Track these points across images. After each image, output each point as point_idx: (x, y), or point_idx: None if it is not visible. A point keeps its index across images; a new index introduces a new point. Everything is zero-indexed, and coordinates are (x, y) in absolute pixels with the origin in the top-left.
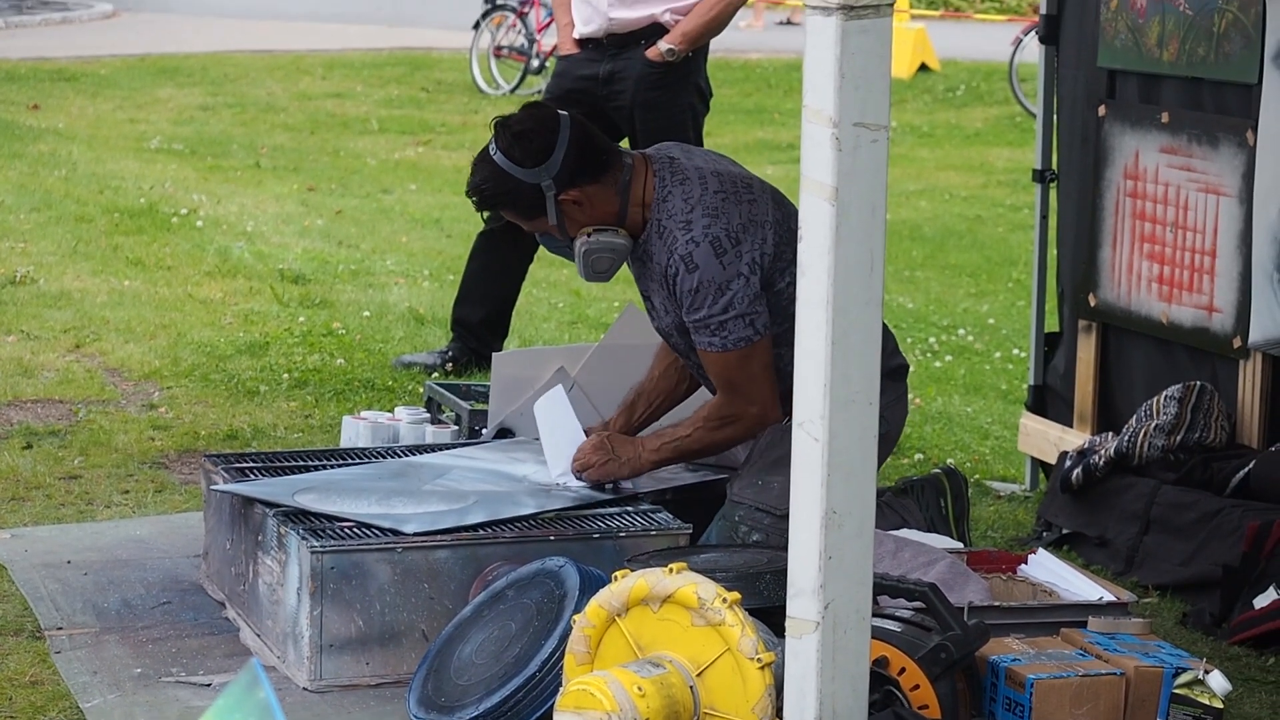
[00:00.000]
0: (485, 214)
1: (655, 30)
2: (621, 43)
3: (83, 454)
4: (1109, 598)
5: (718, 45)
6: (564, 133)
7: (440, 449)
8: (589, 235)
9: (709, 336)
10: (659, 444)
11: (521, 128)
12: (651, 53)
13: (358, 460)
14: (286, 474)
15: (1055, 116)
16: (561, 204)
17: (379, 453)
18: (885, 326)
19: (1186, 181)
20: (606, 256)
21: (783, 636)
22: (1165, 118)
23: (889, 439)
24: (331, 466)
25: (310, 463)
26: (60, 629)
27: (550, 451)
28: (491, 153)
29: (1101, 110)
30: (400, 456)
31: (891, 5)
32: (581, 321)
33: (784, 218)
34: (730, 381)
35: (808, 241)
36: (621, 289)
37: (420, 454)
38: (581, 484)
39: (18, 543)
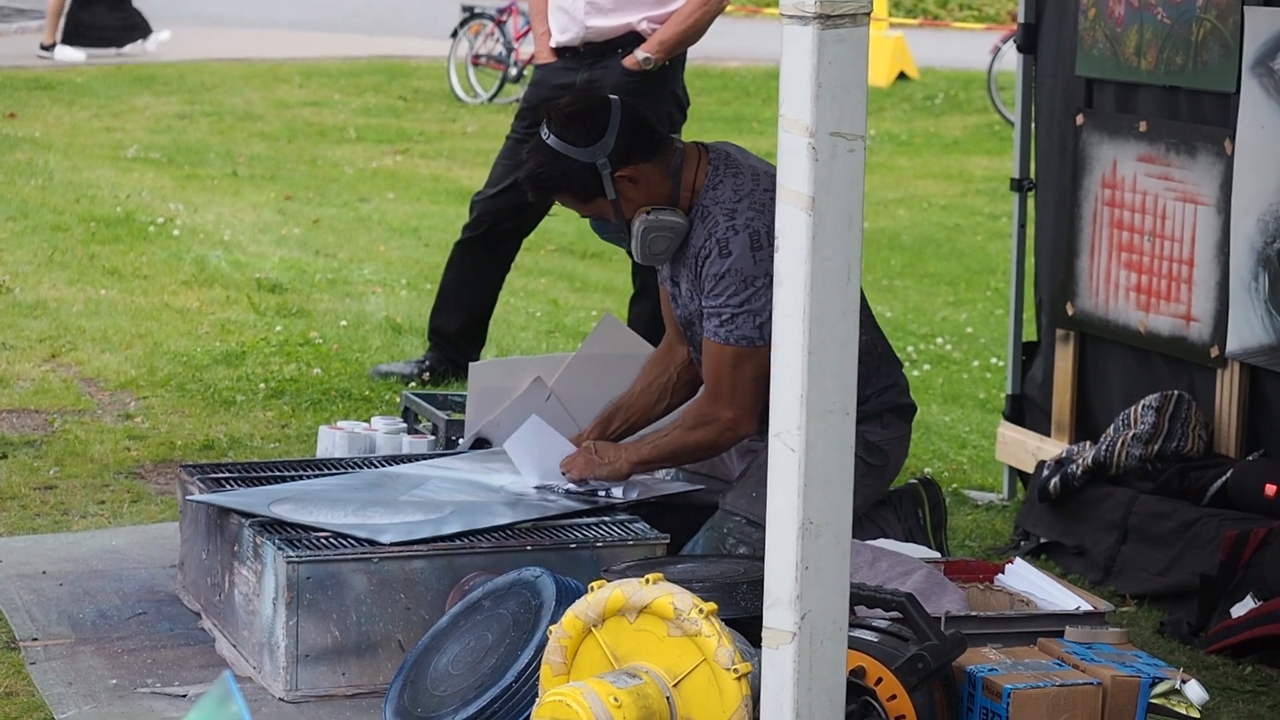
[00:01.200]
0: (539, 204)
1: (632, 39)
2: (598, 51)
3: (58, 464)
4: (1086, 607)
5: (696, 53)
6: (615, 112)
7: (416, 459)
8: (647, 214)
9: (716, 325)
10: (638, 445)
11: (573, 109)
12: (629, 61)
13: (334, 471)
14: (262, 484)
15: (1033, 125)
16: (617, 181)
17: (355, 463)
18: (900, 364)
19: (1164, 190)
20: (664, 236)
21: (760, 647)
22: (1143, 126)
23: (886, 474)
24: (307, 477)
25: (286, 473)
26: (35, 640)
27: (530, 468)
28: (545, 138)
29: (1079, 119)
30: (376, 467)
31: (868, 14)
32: (559, 331)
33: None
34: (718, 379)
35: (784, 251)
36: (599, 298)
37: (396, 464)
38: (562, 487)
39: None
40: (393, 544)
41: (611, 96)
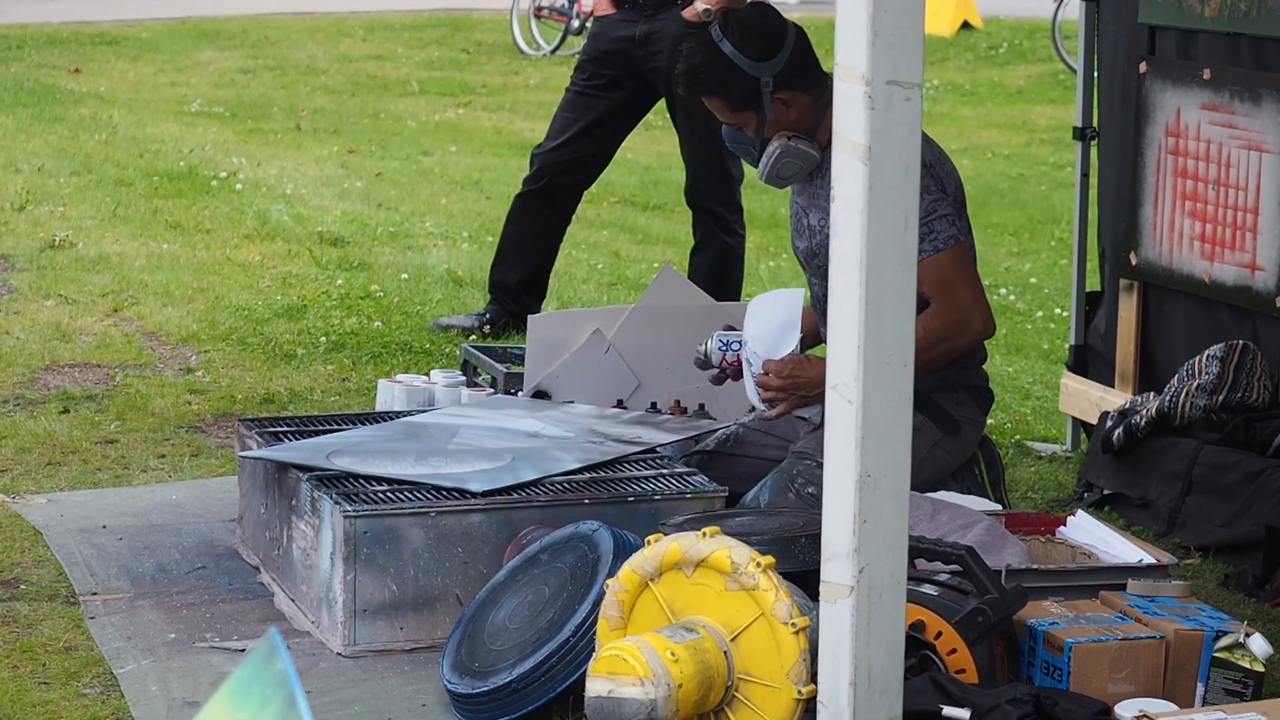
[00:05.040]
0: (685, 100)
1: None
2: (658, 3)
3: (119, 418)
4: (1148, 560)
5: None
6: (791, 37)
7: (426, 412)
8: (788, 139)
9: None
10: None
11: (755, 21)
12: (688, 13)
13: (362, 424)
14: (319, 438)
15: (1096, 73)
16: (774, 101)
17: (392, 416)
18: (984, 356)
19: (1228, 138)
20: (795, 163)
21: (818, 600)
22: (1207, 74)
23: (958, 448)
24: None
25: (343, 427)
26: (95, 594)
27: (759, 338)
28: (717, 40)
29: (1142, 67)
30: (393, 419)
31: None
32: (621, 283)
33: (957, 185)
34: (947, 283)
35: (840, 201)
36: (661, 250)
37: (415, 415)
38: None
39: (54, 508)
40: (484, 493)
41: (792, 22)
